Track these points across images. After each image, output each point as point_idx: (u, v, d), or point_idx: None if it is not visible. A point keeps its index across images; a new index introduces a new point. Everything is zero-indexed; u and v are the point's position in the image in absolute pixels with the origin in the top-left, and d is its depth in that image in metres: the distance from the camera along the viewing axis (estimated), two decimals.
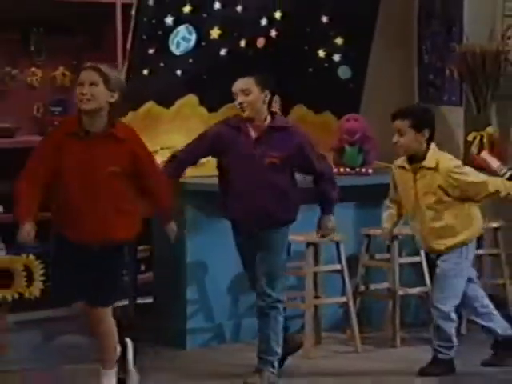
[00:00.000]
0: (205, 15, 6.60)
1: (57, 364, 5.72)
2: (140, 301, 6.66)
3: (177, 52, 6.54)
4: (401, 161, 5.54)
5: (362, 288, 6.46)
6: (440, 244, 5.45)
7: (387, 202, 5.71)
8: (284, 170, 5.21)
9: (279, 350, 5.27)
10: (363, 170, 6.70)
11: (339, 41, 7.16)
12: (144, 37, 6.39)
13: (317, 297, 6.22)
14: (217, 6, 6.63)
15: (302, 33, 7.02)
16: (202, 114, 6.67)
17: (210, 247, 6.26)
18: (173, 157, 5.57)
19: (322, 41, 7.14)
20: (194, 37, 6.57)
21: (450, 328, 5.49)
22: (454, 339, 5.52)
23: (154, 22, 6.42)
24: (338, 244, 6.12)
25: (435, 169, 5.39)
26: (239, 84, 5.25)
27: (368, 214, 6.66)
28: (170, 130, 6.57)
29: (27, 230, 4.60)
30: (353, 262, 6.37)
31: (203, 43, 6.62)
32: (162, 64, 6.50)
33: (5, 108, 6.56)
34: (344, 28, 7.18)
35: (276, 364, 5.27)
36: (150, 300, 6.63)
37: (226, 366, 5.82)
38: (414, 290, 6.42)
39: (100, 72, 4.66)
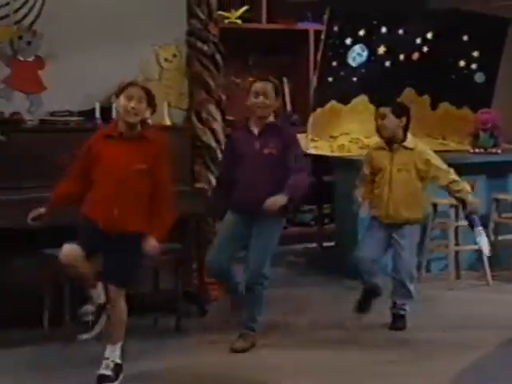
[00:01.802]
0: (374, 37, 6.76)
1: None
2: (325, 244, 7.03)
3: (353, 64, 6.75)
4: (378, 143, 5.31)
5: (492, 238, 6.48)
6: (404, 214, 5.16)
7: (357, 181, 5.41)
8: (280, 162, 4.75)
9: (260, 318, 4.83)
10: (493, 150, 6.83)
11: (476, 54, 7.22)
12: (330, 53, 6.61)
13: (457, 244, 6.31)
14: (383, 30, 6.80)
15: (447, 48, 7.06)
16: (371, 109, 6.37)
17: None
18: (218, 180, 5.24)
19: (463, 54, 7.21)
20: (365, 53, 6.77)
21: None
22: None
23: (337, 42, 6.62)
24: None
25: (413, 149, 5.18)
26: (262, 86, 4.77)
27: (497, 183, 6.78)
28: (348, 120, 6.79)
29: (40, 212, 4.28)
30: (485, 218, 6.29)
31: (372, 58, 6.80)
32: (342, 73, 6.70)
33: (231, 106, 6.41)
34: (480, 44, 7.21)
35: (256, 328, 4.82)
36: (332, 243, 6.90)
37: (388, 290, 5.44)
38: None
39: (146, 90, 4.29)
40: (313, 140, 6.71)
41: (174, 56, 6.21)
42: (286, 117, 7.28)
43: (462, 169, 6.10)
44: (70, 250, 4.13)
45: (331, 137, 6.81)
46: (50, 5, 5.78)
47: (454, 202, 5.92)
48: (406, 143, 5.20)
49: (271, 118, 4.84)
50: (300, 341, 4.95)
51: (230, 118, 6.52)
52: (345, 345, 4.86)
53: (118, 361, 4.22)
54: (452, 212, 6.25)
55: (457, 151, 7.01)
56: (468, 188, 5.27)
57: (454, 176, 5.19)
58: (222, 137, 5.87)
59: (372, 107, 6.67)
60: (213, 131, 5.89)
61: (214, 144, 5.87)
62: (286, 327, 5.20)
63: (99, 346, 4.33)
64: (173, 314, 5.07)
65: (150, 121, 4.47)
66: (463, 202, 5.23)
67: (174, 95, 6.15)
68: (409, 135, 5.25)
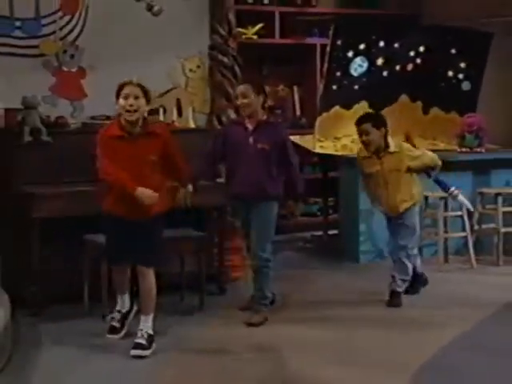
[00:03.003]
0: (373, 50, 6.71)
1: None
2: (330, 232, 6.95)
3: (355, 74, 6.68)
4: (364, 153, 5.24)
5: (477, 227, 6.48)
6: (402, 205, 5.16)
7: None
8: (271, 156, 4.72)
9: (269, 295, 4.87)
10: (478, 149, 6.75)
11: (462, 65, 7.13)
12: (334, 65, 6.55)
13: (445, 232, 6.30)
14: (381, 44, 6.74)
15: (437, 60, 6.99)
16: None
17: None
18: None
19: (451, 65, 7.11)
20: (366, 64, 6.70)
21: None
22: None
23: (340, 55, 6.57)
24: None
25: (399, 152, 5.14)
26: (241, 88, 4.79)
27: (481, 179, 6.73)
28: (350, 123, 6.19)
29: (143, 191, 4.13)
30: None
31: (372, 68, 6.73)
32: (345, 82, 6.64)
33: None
34: (466, 56, 7.11)
35: (268, 304, 4.86)
36: (336, 231, 6.85)
37: (385, 272, 5.58)
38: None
39: (141, 86, 4.13)
40: (319, 140, 6.67)
41: (198, 67, 6.23)
42: (296, 120, 7.30)
43: (451, 166, 6.15)
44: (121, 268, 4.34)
45: (335, 138, 6.76)
46: (90, 23, 5.82)
47: (442, 194, 5.95)
48: (390, 149, 5.16)
49: (264, 116, 4.81)
50: (307, 316, 4.96)
51: None
52: (347, 320, 4.86)
53: (151, 332, 4.22)
54: (441, 204, 6.24)
55: (446, 150, 6.89)
56: (430, 155, 5.30)
57: (420, 153, 5.29)
58: None
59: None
60: None
61: None
62: (296, 303, 5.22)
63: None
64: (196, 293, 5.08)
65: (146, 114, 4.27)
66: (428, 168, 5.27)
67: (197, 101, 6.18)
68: (390, 140, 5.20)
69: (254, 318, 4.75)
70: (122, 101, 4.12)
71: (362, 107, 6.70)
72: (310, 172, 7.19)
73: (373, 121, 5.18)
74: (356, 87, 6.74)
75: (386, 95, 6.78)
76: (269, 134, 4.75)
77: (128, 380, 3.94)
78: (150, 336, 4.21)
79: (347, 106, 6.70)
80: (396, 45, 6.85)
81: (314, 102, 6.94)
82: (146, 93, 4.13)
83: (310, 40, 7.19)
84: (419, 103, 7.10)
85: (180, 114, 6.10)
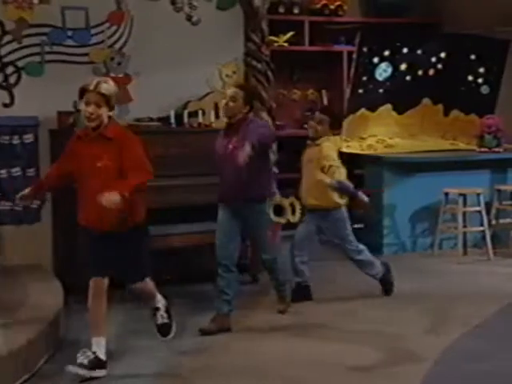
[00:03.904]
0: (397, 56, 6.73)
1: None
2: (355, 226, 6.78)
3: (380, 79, 6.70)
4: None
5: (494, 222, 6.48)
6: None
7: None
8: (255, 157, 4.21)
9: (284, 279, 4.69)
10: (496, 149, 6.74)
11: (482, 70, 7.13)
12: (360, 70, 6.59)
13: (464, 226, 6.29)
14: (405, 50, 6.76)
15: (457, 65, 6.99)
16: (394, 115, 6.80)
17: (397, 195, 6.39)
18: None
19: (471, 70, 7.12)
20: (390, 69, 6.72)
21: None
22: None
23: (366, 61, 6.61)
24: (478, 194, 6.18)
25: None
26: (231, 91, 4.40)
27: (499, 177, 6.73)
28: (375, 125, 6.74)
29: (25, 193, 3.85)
30: (488, 205, 6.38)
31: (396, 73, 6.74)
32: (370, 86, 6.67)
33: (279, 113, 6.38)
34: (485, 62, 7.11)
35: (287, 291, 4.73)
36: (360, 225, 6.58)
37: (407, 264, 5.83)
38: None
39: (103, 95, 3.65)
40: (346, 140, 6.64)
41: (234, 72, 6.21)
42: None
43: (470, 164, 6.14)
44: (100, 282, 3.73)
45: (361, 138, 6.76)
46: (135, 33, 5.85)
47: (463, 191, 5.90)
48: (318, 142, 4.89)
49: (238, 117, 4.37)
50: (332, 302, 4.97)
51: (279, 122, 6.52)
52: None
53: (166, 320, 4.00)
54: (460, 200, 6.21)
55: (465, 150, 6.91)
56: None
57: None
58: None
59: (395, 114, 6.80)
60: None
61: None
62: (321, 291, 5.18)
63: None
64: None
65: (114, 116, 3.84)
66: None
67: None
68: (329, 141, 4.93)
69: (281, 306, 4.72)
70: (83, 106, 3.71)
71: (386, 109, 6.75)
72: None
73: (332, 119, 4.92)
74: (381, 91, 6.76)
75: (409, 98, 6.78)
76: (240, 131, 4.33)
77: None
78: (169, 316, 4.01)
79: (372, 108, 6.75)
80: (419, 51, 6.86)
81: (340, 104, 6.91)
82: (107, 101, 3.69)
83: (337, 47, 7.16)
84: (440, 106, 7.07)
85: (217, 116, 6.12)
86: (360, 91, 6.64)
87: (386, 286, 5.09)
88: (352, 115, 6.65)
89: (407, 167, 6.47)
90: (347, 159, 6.93)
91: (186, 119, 5.78)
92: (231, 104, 4.37)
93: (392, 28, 7.10)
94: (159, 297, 3.99)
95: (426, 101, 6.99)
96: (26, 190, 3.92)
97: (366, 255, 5.03)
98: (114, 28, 5.82)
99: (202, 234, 5.00)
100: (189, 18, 5.66)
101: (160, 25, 5.84)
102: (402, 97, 6.72)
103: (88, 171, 3.68)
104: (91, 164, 3.67)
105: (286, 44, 6.95)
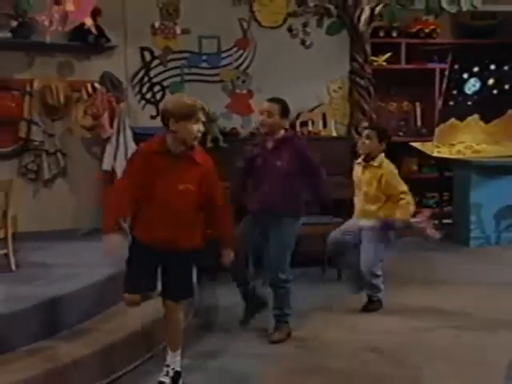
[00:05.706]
0: (485, 72, 6.54)
1: None
2: (444, 221, 6.62)
3: (468, 92, 6.55)
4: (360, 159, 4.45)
5: None
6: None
7: None
8: (291, 171, 3.77)
9: (289, 311, 3.92)
10: None
11: None
12: (451, 85, 6.45)
13: None
14: (492, 67, 6.54)
15: None
16: (481, 125, 6.59)
17: (483, 195, 6.18)
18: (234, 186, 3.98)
19: None
20: (478, 84, 6.56)
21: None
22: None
23: (457, 76, 6.46)
24: None
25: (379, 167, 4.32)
26: (267, 105, 3.78)
27: None
28: (463, 133, 6.56)
29: (109, 238, 3.03)
30: None
31: (484, 88, 6.57)
32: (460, 99, 6.52)
33: (379, 122, 5.80)
34: None
35: (288, 320, 3.93)
36: (449, 221, 6.59)
37: (491, 255, 5.69)
38: None
39: (207, 115, 3.26)
40: (437, 146, 6.56)
41: (340, 88, 6.32)
42: (417, 130, 7.19)
43: None
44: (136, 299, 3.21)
45: (451, 144, 6.61)
46: (257, 56, 6.06)
47: None
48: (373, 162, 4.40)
49: (281, 133, 3.83)
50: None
51: None
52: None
53: (178, 368, 3.34)
54: None
55: None
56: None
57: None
58: None
59: (482, 123, 6.61)
60: None
61: None
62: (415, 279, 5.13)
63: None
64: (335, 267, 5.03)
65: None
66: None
67: (339, 115, 6.28)
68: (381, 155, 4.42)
69: (276, 335, 3.91)
70: (194, 126, 3.12)
71: (474, 119, 6.58)
72: (428, 172, 7.07)
73: (378, 131, 4.38)
74: (469, 103, 6.59)
75: (495, 110, 6.60)
76: (287, 150, 3.80)
77: None
78: (176, 373, 3.33)
79: (461, 118, 6.59)
80: (505, 67, 6.63)
81: (432, 115, 6.77)
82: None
83: (430, 65, 6.92)
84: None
85: (325, 125, 6.22)
86: (451, 103, 6.51)
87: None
88: (443, 124, 6.53)
89: (492, 170, 6.31)
90: (438, 163, 6.98)
91: (298, 128, 5.97)
92: (266, 119, 3.79)
93: (480, 48, 6.89)
94: (179, 357, 3.34)
95: (511, 112, 6.75)
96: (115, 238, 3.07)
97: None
98: (240, 52, 6.04)
99: (325, 225, 4.92)
100: (303, 42, 5.81)
101: (278, 49, 6.05)
102: (488, 108, 6.56)
103: (169, 191, 3.10)
104: (174, 185, 3.10)
105: (384, 63, 6.89)
